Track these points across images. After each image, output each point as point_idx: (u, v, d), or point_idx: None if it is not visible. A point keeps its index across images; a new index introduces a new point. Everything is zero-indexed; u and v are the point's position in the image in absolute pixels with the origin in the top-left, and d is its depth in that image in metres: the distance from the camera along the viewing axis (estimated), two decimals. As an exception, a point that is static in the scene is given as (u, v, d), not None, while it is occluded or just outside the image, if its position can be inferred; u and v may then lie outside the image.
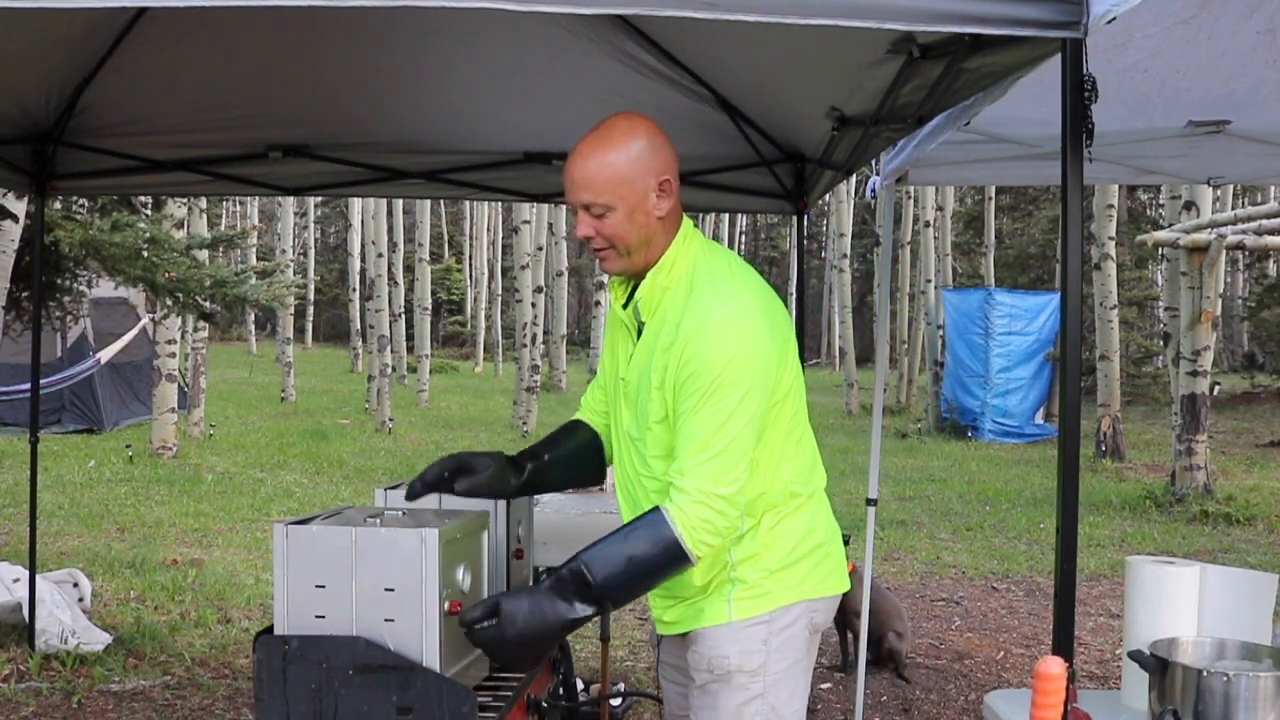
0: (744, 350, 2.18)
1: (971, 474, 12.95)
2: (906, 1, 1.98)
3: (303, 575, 2.21)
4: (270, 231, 34.70)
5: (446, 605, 2.21)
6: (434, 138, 4.85)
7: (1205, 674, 2.08)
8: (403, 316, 23.54)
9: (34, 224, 5.60)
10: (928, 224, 20.32)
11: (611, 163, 2.21)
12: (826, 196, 16.71)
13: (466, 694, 2.16)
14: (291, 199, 24.10)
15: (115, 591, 6.58)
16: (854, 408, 20.33)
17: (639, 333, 2.36)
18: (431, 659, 2.17)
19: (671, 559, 2.17)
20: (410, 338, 25.91)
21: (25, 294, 7.17)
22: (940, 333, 18.72)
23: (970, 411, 17.03)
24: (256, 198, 33.63)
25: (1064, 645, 2.06)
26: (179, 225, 12.56)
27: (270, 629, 2.26)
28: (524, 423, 16.61)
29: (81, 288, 8.74)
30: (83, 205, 7.75)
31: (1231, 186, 18.92)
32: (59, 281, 7.72)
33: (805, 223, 5.25)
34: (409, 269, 24.43)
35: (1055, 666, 1.92)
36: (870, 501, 4.62)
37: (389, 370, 18.34)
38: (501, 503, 2.69)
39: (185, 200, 11.82)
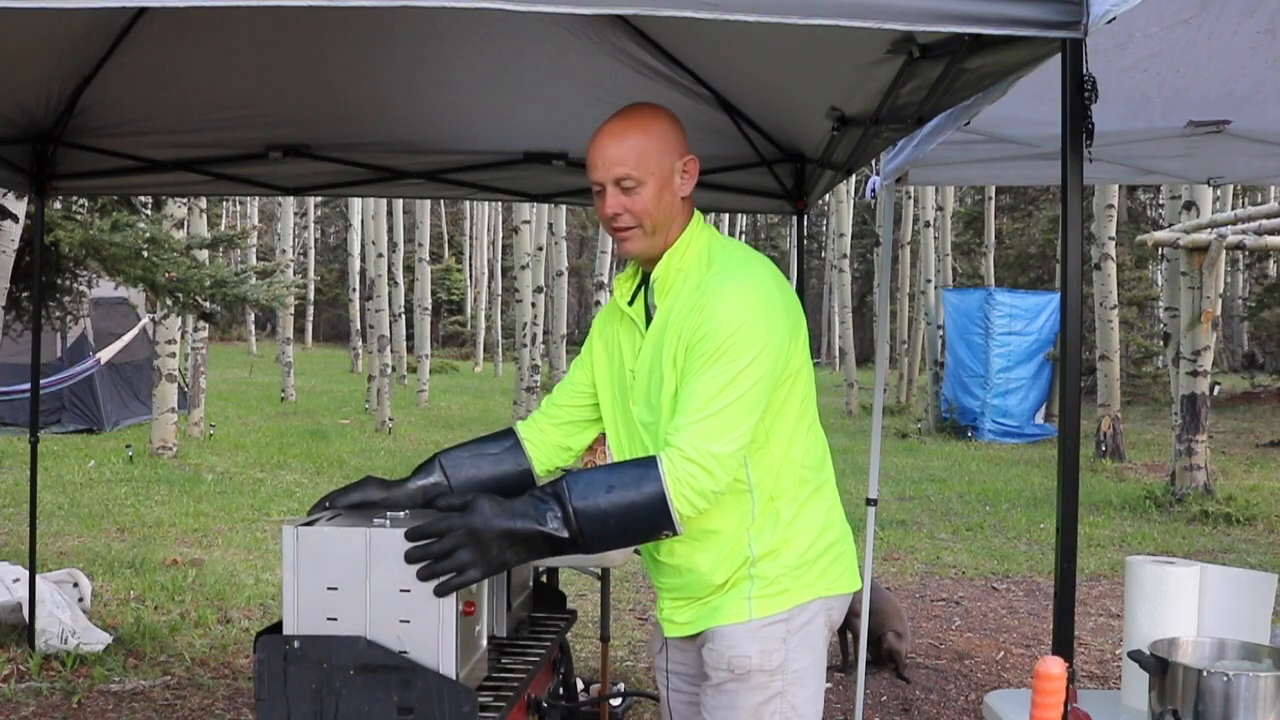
0: (757, 316, 2.21)
1: (971, 474, 12.95)
2: (906, 1, 1.98)
3: (314, 577, 2.19)
4: (270, 231, 34.71)
5: (461, 606, 2.21)
6: (434, 138, 4.85)
7: (1205, 674, 2.08)
8: (403, 316, 23.55)
9: (34, 224, 5.60)
10: (928, 224, 20.33)
11: (646, 139, 2.28)
12: (826, 196, 16.73)
13: (468, 694, 2.16)
14: (291, 199, 24.11)
15: (115, 591, 6.58)
16: (854, 408, 20.33)
17: (647, 322, 2.37)
18: (448, 660, 2.16)
19: (653, 511, 2.12)
20: (410, 338, 25.92)
21: (25, 294, 7.18)
22: (940, 333, 18.72)
23: (970, 411, 17.03)
24: (256, 198, 33.64)
25: (1064, 645, 2.06)
26: (179, 225, 12.57)
27: (271, 628, 2.26)
28: (524, 422, 16.60)
29: (81, 288, 8.75)
30: (83, 205, 7.75)
31: (1231, 186, 18.93)
32: (59, 281, 7.72)
33: (805, 223, 5.25)
34: (409, 269, 24.44)
35: (1055, 666, 1.92)
36: (870, 501, 4.63)
37: (389, 370, 18.34)
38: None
39: (185, 200, 11.82)
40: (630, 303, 2.42)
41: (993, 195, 22.96)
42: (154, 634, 5.66)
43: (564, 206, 21.56)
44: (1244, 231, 10.18)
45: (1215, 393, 14.89)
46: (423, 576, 2.09)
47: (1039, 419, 16.93)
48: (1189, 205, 11.11)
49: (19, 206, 6.79)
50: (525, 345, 17.70)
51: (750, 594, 2.30)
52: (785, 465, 2.32)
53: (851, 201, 23.29)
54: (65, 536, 8.15)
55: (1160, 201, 21.37)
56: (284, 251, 24.99)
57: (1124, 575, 2.48)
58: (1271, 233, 10.01)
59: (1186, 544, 8.93)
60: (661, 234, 2.32)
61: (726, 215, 40.54)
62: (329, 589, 2.18)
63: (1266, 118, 3.62)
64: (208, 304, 8.94)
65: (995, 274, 22.70)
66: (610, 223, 2.32)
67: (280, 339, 22.76)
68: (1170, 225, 11.37)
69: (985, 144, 4.01)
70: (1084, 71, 2.02)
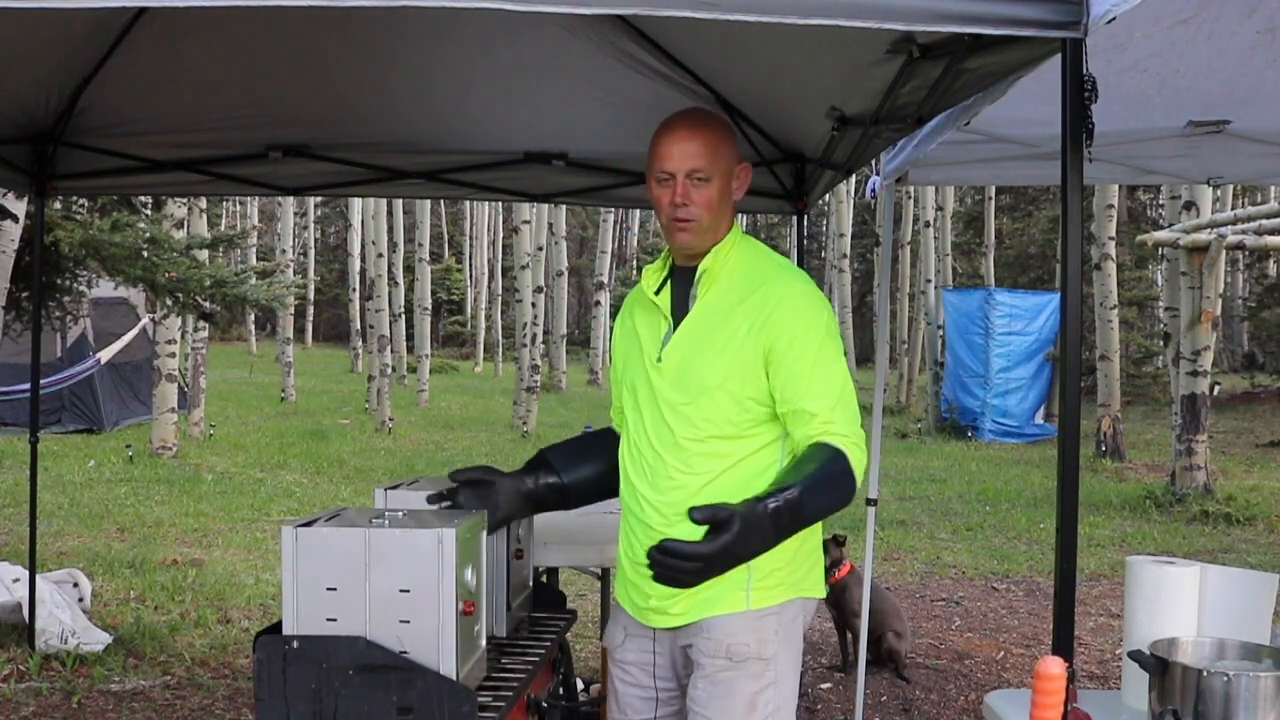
0: (830, 313, 2.42)
1: (971, 474, 12.95)
2: (906, 1, 1.98)
3: (313, 578, 2.19)
4: (270, 231, 34.69)
5: (461, 605, 2.21)
6: (434, 138, 4.85)
7: (1205, 674, 2.08)
8: (403, 316, 23.54)
9: (34, 224, 5.59)
10: (928, 224, 20.33)
11: (718, 138, 2.42)
12: (826, 196, 16.72)
13: (467, 694, 2.16)
14: (291, 199, 24.10)
15: (115, 591, 6.58)
16: (854, 408, 20.28)
17: (672, 310, 2.47)
18: (448, 660, 2.17)
19: (847, 497, 2.23)
20: (410, 338, 25.90)
21: (25, 294, 7.17)
22: (940, 333, 18.71)
23: (970, 411, 17.03)
24: (256, 198, 33.62)
25: (1064, 645, 2.06)
26: (179, 225, 12.56)
27: (270, 628, 2.26)
28: (524, 423, 16.61)
29: (81, 288, 8.74)
30: (83, 205, 7.75)
31: (1231, 186, 18.92)
32: (59, 281, 7.71)
33: (805, 223, 5.25)
34: (409, 269, 24.42)
35: (1055, 666, 1.92)
36: (870, 501, 4.62)
37: (389, 370, 18.34)
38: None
39: (185, 200, 11.82)
40: (657, 292, 2.51)
41: (993, 195, 22.96)
42: (154, 634, 5.66)
43: (564, 206, 21.59)
44: (1244, 231, 10.18)
45: (1215, 393, 14.87)
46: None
47: (1039, 419, 16.92)
48: (1189, 205, 11.11)
49: (19, 206, 6.79)
50: (525, 345, 17.70)
51: (748, 585, 2.34)
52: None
53: (851, 201, 23.28)
54: (65, 536, 8.15)
55: (1160, 201, 21.36)
56: (284, 251, 24.98)
57: (1124, 575, 2.48)
58: (1271, 233, 10.01)
59: (1186, 544, 8.92)
60: (712, 231, 2.44)
61: (726, 215, 40.47)
62: (328, 589, 2.18)
63: (1266, 118, 3.62)
64: (208, 304, 8.93)
65: (995, 274, 22.69)
66: (674, 211, 2.41)
67: (280, 339, 22.74)
68: (1170, 225, 11.37)
69: (985, 144, 4.01)
70: (1084, 71, 2.02)
